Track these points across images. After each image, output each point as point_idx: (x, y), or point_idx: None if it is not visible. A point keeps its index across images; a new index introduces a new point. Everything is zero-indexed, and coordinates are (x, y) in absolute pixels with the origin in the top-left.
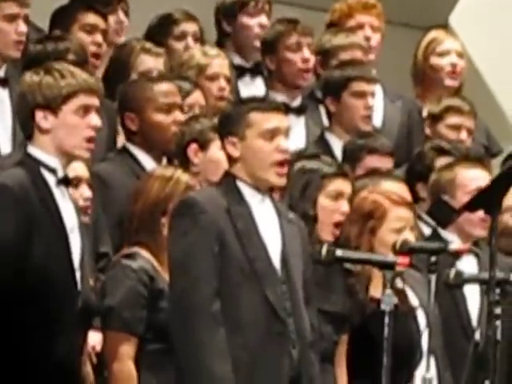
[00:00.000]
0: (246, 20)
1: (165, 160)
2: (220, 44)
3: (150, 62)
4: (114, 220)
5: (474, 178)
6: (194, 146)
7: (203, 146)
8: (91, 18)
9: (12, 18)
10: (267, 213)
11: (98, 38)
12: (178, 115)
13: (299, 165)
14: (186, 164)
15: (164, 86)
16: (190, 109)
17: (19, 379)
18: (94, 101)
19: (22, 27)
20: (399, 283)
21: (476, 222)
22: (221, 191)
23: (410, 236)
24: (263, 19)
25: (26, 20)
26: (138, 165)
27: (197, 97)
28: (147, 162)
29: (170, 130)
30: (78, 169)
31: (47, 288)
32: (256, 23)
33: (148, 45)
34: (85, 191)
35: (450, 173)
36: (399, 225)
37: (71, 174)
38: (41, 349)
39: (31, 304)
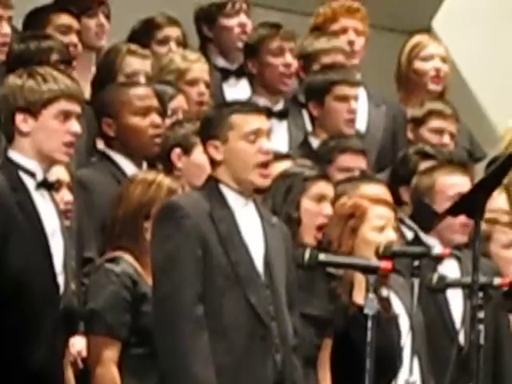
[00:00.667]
0: (225, 22)
1: (145, 165)
2: (203, 48)
3: (137, 64)
4: (96, 225)
5: (454, 184)
6: (177, 151)
7: (187, 150)
8: (65, 19)
9: None
10: (250, 217)
11: (73, 38)
12: (155, 118)
13: (282, 168)
14: (169, 168)
15: (139, 90)
16: (174, 113)
17: None
18: (75, 107)
19: (6, 29)
20: (384, 291)
21: (456, 227)
22: (204, 195)
23: (392, 235)
24: (243, 18)
25: (10, 22)
26: (118, 170)
27: (180, 101)
28: (128, 166)
29: (146, 133)
30: (59, 173)
31: (26, 292)
32: (236, 23)
33: (134, 47)
34: (65, 195)
35: (429, 178)
36: (380, 223)
37: (52, 177)
38: (20, 353)
39: (9, 308)
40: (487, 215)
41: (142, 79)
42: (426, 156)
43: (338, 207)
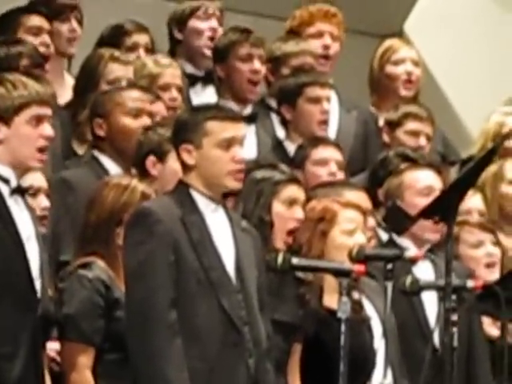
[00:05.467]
0: (196, 24)
1: (133, 170)
2: (172, 53)
3: (119, 70)
4: (78, 225)
5: (421, 177)
6: (151, 159)
7: (161, 157)
8: (35, 21)
9: None
10: (220, 222)
11: (46, 38)
12: (146, 121)
13: (251, 175)
14: (144, 175)
15: (133, 92)
16: (152, 119)
17: None
18: (47, 111)
19: None
20: (355, 294)
21: (427, 226)
22: (175, 200)
23: (362, 238)
24: (213, 23)
25: None
26: (105, 173)
27: (158, 107)
28: (114, 170)
29: (136, 134)
30: (36, 179)
31: (3, 298)
32: (207, 27)
33: (117, 53)
34: (42, 201)
35: (397, 177)
36: (350, 226)
37: (30, 183)
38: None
39: None
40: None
41: (125, 84)
42: (406, 159)
43: (308, 210)
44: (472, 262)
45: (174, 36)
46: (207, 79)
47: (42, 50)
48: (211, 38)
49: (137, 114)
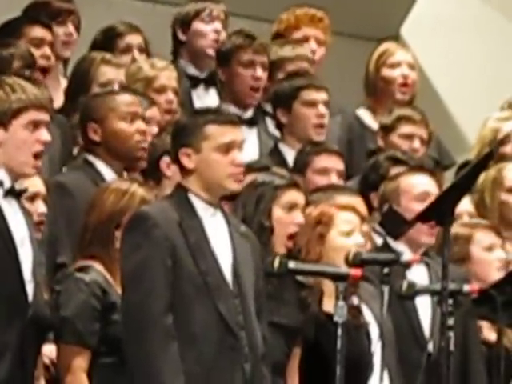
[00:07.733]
0: (200, 26)
1: (125, 174)
2: (175, 54)
3: (111, 73)
4: (75, 228)
5: (417, 182)
6: (166, 159)
7: None
8: (38, 32)
9: None
10: (219, 226)
11: (47, 51)
12: (141, 125)
13: (250, 178)
14: (158, 176)
15: (126, 97)
16: (147, 124)
17: None
18: (44, 116)
19: None
20: (355, 300)
21: (423, 229)
22: (173, 204)
23: (360, 239)
24: (217, 25)
25: None
26: (99, 176)
27: (153, 112)
28: (108, 173)
29: (132, 138)
30: (36, 184)
31: None
32: (211, 29)
33: (108, 56)
34: (39, 206)
35: (393, 182)
36: (347, 228)
37: (26, 186)
38: None
39: None
40: (466, 220)
41: (117, 88)
42: (396, 161)
43: (305, 216)
44: (484, 265)
45: (178, 37)
46: (209, 81)
47: (42, 62)
48: (215, 41)
49: (132, 118)
